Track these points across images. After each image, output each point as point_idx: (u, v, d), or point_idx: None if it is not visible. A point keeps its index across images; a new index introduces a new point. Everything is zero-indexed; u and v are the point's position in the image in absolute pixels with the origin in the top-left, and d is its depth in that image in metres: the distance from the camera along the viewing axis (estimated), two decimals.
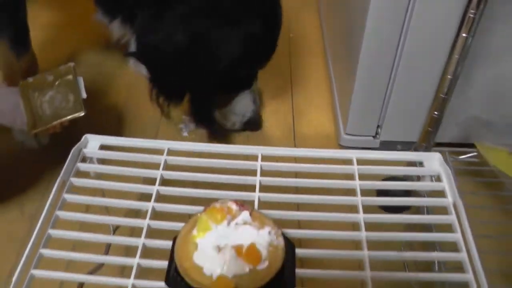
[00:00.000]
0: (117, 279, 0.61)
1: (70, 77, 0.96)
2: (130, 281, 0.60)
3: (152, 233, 0.65)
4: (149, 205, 0.68)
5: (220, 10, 0.92)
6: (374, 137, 1.09)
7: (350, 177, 0.73)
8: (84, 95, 0.95)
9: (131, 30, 1.01)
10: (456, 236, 0.66)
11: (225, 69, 0.97)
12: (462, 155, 0.99)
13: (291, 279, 0.59)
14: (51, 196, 0.67)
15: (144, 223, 0.66)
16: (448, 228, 0.68)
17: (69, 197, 0.69)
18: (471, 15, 0.71)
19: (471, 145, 0.99)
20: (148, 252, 0.63)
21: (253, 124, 1.18)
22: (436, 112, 0.83)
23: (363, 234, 0.65)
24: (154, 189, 0.70)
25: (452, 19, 0.75)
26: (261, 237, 0.58)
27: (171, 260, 0.60)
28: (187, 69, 0.97)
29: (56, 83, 0.96)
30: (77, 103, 0.94)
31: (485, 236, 0.83)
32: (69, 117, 0.94)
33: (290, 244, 0.62)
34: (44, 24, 1.43)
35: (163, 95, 1.03)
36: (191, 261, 0.57)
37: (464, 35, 0.73)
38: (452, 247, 0.66)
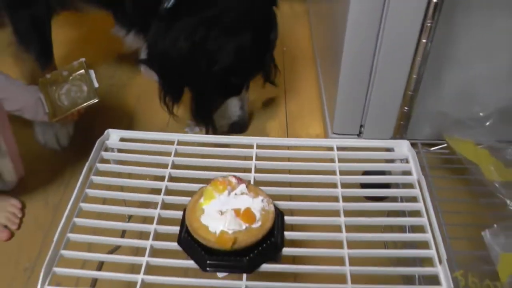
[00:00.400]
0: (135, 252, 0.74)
1: (82, 71, 1.08)
2: (144, 258, 0.73)
3: (166, 205, 0.79)
4: (163, 184, 0.81)
5: (220, 23, 1.07)
6: (358, 135, 1.22)
7: (331, 161, 0.87)
8: (96, 84, 1.07)
9: (143, 40, 1.17)
10: (419, 205, 0.79)
11: (219, 75, 1.14)
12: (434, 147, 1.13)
13: (280, 238, 0.73)
14: (81, 178, 0.80)
15: (159, 198, 0.79)
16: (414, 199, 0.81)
17: (96, 178, 0.82)
18: (428, 24, 0.85)
19: (443, 140, 1.13)
20: (163, 221, 0.76)
21: (238, 127, 1.33)
22: (406, 108, 0.97)
23: (340, 205, 0.78)
24: (167, 172, 0.83)
25: (414, 28, 0.89)
26: (255, 203, 0.72)
27: (182, 225, 0.73)
28: (188, 72, 1.14)
29: (71, 77, 1.08)
30: (91, 92, 1.07)
31: (452, 212, 0.97)
32: (84, 104, 1.07)
33: (279, 212, 0.76)
34: (62, 40, 1.58)
35: (169, 95, 1.18)
36: (199, 222, 0.70)
37: (424, 41, 0.88)
38: (417, 214, 0.79)
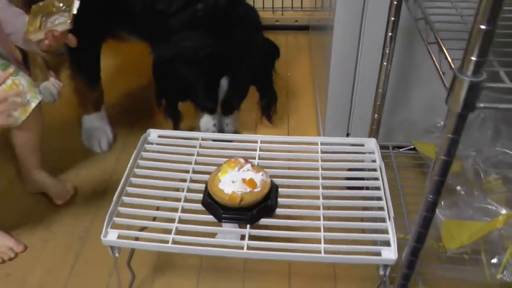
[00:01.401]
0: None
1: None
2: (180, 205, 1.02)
3: (193, 180, 1.08)
4: (190, 167, 1.11)
5: (202, 41, 1.31)
6: None
7: (316, 152, 1.16)
8: (75, 10, 1.08)
9: None
10: (379, 183, 1.07)
11: (188, 85, 1.38)
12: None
13: (274, 202, 1.01)
14: (130, 162, 1.10)
15: (188, 176, 1.09)
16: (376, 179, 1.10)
17: (141, 162, 1.12)
18: (387, 51, 1.15)
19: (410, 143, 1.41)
20: (191, 191, 1.06)
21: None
22: (376, 115, 1.26)
23: (320, 182, 1.07)
24: (193, 158, 1.13)
25: (377, 53, 1.19)
26: (257, 176, 1.01)
27: (205, 192, 1.02)
28: (166, 78, 1.38)
29: (63, 8, 1.10)
30: (69, 19, 1.07)
31: (413, 194, 1.24)
32: (58, 28, 1.08)
33: (274, 185, 1.04)
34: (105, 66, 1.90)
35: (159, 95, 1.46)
36: (217, 187, 0.99)
37: (384, 63, 1.17)
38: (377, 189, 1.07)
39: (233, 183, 0.99)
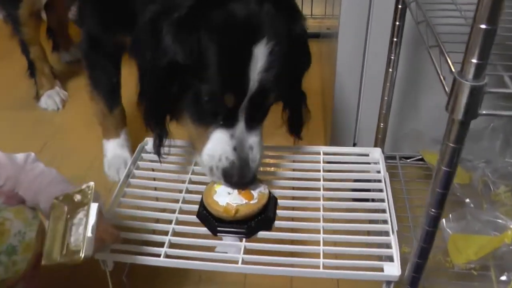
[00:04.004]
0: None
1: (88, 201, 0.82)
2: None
3: (190, 190, 1.05)
4: (187, 176, 1.08)
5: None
6: None
7: (318, 162, 1.12)
8: (89, 233, 0.77)
9: None
10: (383, 194, 1.03)
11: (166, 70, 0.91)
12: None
13: (273, 214, 0.97)
14: (125, 171, 1.07)
15: (184, 186, 1.05)
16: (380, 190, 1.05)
17: (137, 172, 1.09)
18: (392, 57, 1.11)
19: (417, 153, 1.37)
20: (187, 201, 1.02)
21: (232, 177, 0.95)
22: (382, 124, 1.22)
23: (321, 193, 1.03)
24: (191, 168, 1.10)
25: (382, 60, 1.15)
26: (254, 187, 0.97)
27: (201, 203, 0.98)
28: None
29: (84, 200, 0.82)
30: (79, 243, 0.77)
31: (421, 206, 1.19)
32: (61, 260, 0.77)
33: (273, 197, 1.00)
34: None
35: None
36: (212, 198, 0.95)
37: (390, 70, 1.13)
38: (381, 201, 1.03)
39: (229, 195, 0.95)
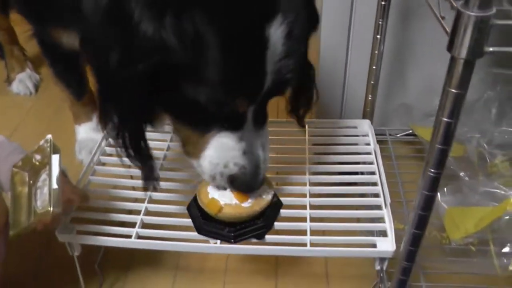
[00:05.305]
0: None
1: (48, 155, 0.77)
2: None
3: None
4: (162, 153, 0.99)
5: None
6: None
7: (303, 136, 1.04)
8: (55, 185, 0.73)
9: None
10: (374, 167, 0.96)
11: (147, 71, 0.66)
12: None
13: (270, 223, 0.84)
14: (96, 147, 0.99)
15: (158, 163, 0.97)
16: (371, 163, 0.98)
17: (108, 149, 1.01)
18: (380, 23, 1.04)
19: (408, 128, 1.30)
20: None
21: (242, 185, 0.80)
22: (370, 96, 1.15)
23: (306, 167, 0.95)
24: (166, 144, 1.02)
25: (369, 27, 1.07)
26: None
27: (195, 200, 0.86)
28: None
29: (45, 160, 0.77)
30: (46, 203, 0.72)
31: (412, 182, 1.12)
32: (37, 218, 0.73)
33: (278, 204, 0.87)
34: None
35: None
36: (205, 188, 0.83)
37: (378, 36, 1.06)
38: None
39: (221, 189, 0.83)
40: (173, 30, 0.63)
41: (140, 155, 0.75)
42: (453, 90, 0.51)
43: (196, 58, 0.64)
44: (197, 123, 0.76)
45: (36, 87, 1.82)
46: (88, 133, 1.44)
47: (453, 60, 0.50)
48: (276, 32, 0.65)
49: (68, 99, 1.38)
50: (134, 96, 0.69)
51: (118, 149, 0.75)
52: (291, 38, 0.67)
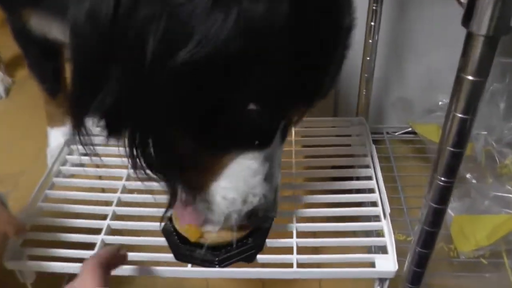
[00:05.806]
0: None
1: None
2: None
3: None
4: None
5: None
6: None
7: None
8: None
9: None
10: (370, 171, 0.84)
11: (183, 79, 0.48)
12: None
13: (260, 243, 0.69)
14: (56, 157, 0.87)
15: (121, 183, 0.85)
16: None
17: (70, 158, 0.89)
18: (374, 7, 0.92)
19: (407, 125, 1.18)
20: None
21: (259, 219, 0.65)
22: (364, 90, 1.03)
23: (292, 172, 0.84)
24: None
25: (363, 13, 0.96)
26: None
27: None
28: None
29: None
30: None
31: (414, 185, 1.01)
32: None
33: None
34: None
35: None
36: None
37: (372, 23, 0.94)
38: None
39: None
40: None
41: (170, 170, 0.58)
42: (469, 78, 0.39)
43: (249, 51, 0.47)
44: (217, 140, 0.56)
45: (8, 91, 1.72)
46: (61, 139, 1.33)
47: (470, 38, 0.38)
48: (345, 25, 0.57)
49: (42, 96, 1.27)
50: (176, 97, 0.51)
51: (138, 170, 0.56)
52: (346, 49, 0.58)
